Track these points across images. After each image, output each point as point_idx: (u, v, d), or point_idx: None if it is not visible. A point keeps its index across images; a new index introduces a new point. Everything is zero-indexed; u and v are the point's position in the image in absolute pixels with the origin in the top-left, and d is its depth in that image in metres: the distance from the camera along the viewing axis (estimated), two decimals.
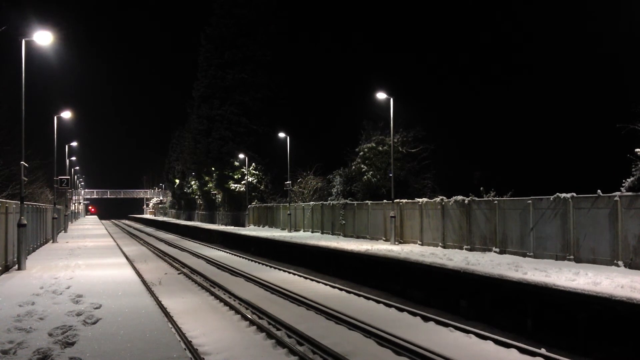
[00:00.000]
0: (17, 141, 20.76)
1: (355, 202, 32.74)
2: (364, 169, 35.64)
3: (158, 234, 62.90)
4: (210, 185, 65.49)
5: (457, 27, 49.04)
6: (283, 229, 43.75)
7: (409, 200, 27.36)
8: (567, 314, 12.47)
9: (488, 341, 12.03)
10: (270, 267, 26.93)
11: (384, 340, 11.89)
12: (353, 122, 40.82)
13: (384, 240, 28.15)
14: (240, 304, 16.45)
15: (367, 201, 31.52)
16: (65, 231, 49.31)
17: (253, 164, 56.54)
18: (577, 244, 17.12)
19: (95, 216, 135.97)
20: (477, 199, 22.35)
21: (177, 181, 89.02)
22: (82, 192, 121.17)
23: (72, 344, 8.52)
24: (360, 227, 31.53)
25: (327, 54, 57.94)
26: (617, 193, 16.13)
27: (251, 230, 43.91)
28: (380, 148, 35.72)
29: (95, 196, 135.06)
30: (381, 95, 28.00)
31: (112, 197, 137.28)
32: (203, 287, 19.95)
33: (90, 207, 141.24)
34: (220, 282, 20.77)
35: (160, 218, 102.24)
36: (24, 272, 17.45)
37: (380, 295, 18.10)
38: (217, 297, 17.81)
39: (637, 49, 31.71)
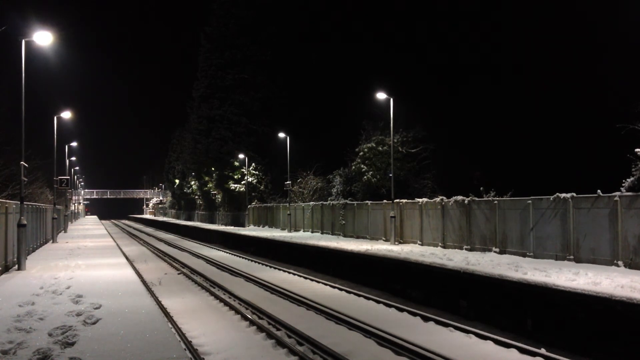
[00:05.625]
0: (17, 141, 20.74)
1: (355, 202, 32.73)
2: (364, 169, 35.63)
3: (158, 234, 62.90)
4: (210, 185, 65.49)
5: (457, 27, 49.05)
6: (283, 229, 43.74)
7: (409, 200, 27.35)
8: (567, 314, 12.47)
9: (488, 341, 12.03)
10: (270, 267, 26.93)
11: (384, 340, 11.89)
12: (353, 122, 40.82)
13: (384, 240, 28.14)
14: (240, 304, 16.45)
15: (367, 201, 31.52)
16: (65, 231, 49.29)
17: (253, 164, 56.53)
18: (577, 244, 17.12)
19: (95, 216, 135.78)
20: (477, 199, 22.34)
21: (177, 181, 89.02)
22: (82, 192, 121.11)
23: (72, 344, 8.51)
24: (360, 227, 31.52)
25: (327, 53, 57.94)
26: (617, 193, 16.13)
27: (251, 231, 43.91)
28: (380, 148, 35.70)
29: (95, 196, 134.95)
30: (381, 95, 28.01)
31: (112, 197, 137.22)
32: (203, 287, 19.94)
33: (85, 208, 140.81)
34: (220, 282, 20.77)
35: (160, 218, 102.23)
36: (24, 272, 17.44)
37: (380, 295, 18.11)
38: (217, 297, 17.80)
39: (637, 48, 31.70)
